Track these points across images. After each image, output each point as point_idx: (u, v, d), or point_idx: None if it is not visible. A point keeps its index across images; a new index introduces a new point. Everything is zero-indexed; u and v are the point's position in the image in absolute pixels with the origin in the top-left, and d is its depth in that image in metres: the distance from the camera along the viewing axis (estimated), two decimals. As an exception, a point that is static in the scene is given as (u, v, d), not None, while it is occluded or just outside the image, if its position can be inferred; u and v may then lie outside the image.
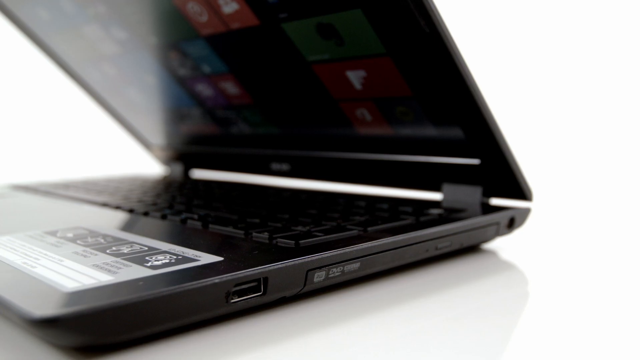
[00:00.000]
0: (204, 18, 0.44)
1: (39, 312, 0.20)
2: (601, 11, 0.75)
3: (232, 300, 0.24)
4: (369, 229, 0.32)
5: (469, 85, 0.34)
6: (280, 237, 0.29)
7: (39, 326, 0.20)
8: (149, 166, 0.76)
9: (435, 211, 0.37)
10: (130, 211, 0.41)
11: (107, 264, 0.26)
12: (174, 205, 0.42)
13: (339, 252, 0.28)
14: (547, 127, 0.78)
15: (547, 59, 0.79)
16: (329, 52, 0.39)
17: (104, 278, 0.23)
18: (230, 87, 0.50)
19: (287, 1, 0.37)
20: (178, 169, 0.68)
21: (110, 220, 0.38)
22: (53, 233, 0.33)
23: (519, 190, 0.38)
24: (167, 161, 0.70)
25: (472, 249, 0.39)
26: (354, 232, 0.31)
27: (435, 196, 0.42)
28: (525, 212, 0.39)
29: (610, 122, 0.75)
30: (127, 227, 0.36)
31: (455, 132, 0.38)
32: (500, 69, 0.79)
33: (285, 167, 0.53)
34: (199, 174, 0.68)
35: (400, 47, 0.36)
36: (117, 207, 0.43)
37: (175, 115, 0.61)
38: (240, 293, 0.25)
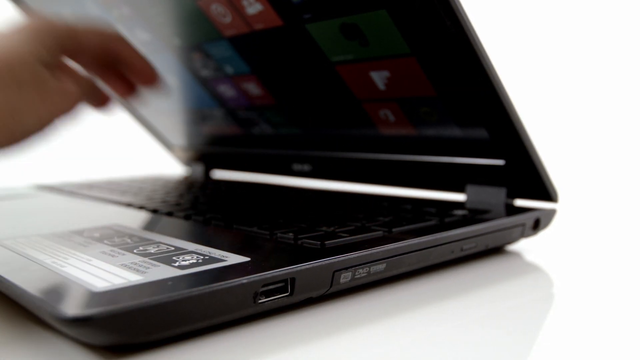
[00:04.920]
0: (228, 19, 0.44)
1: (72, 312, 0.20)
2: (631, 11, 0.74)
3: (260, 301, 0.24)
4: (394, 229, 0.32)
5: (494, 85, 0.34)
6: (306, 238, 0.29)
7: (72, 325, 0.20)
8: (170, 167, 0.77)
9: (459, 212, 0.37)
10: (154, 211, 0.41)
11: (135, 263, 0.26)
12: (197, 206, 0.43)
13: (365, 253, 0.28)
14: (572, 127, 0.77)
15: (575, 58, 0.78)
16: (352, 52, 0.39)
17: (133, 278, 0.24)
18: (253, 88, 0.50)
19: (311, 2, 0.38)
20: (199, 169, 0.68)
21: (136, 220, 0.38)
22: (80, 233, 0.33)
23: (544, 191, 0.38)
24: (188, 162, 0.70)
25: (496, 250, 0.38)
26: (379, 233, 0.31)
27: (459, 197, 0.42)
28: (551, 214, 0.39)
29: (638, 122, 0.74)
30: (152, 227, 0.36)
31: (480, 133, 0.38)
32: (525, 68, 0.79)
33: (307, 167, 0.53)
34: (219, 174, 0.68)
35: (425, 48, 0.35)
36: (141, 207, 0.43)
37: (197, 116, 0.62)
38: (267, 293, 0.25)
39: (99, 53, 0.39)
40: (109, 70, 0.42)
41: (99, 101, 0.40)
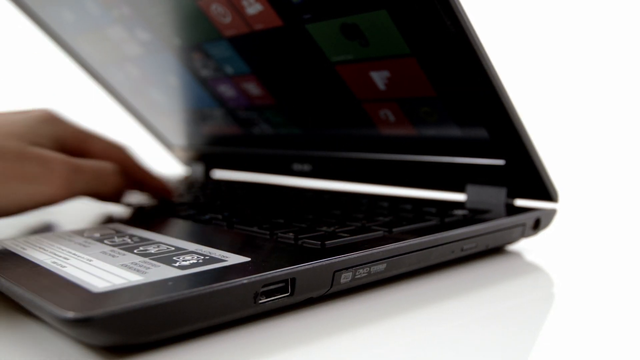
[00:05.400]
0: (228, 19, 0.44)
1: (72, 312, 0.20)
2: (630, 11, 0.74)
3: (260, 301, 0.24)
4: (394, 230, 0.32)
5: (495, 85, 0.34)
6: (306, 238, 0.29)
7: (72, 326, 0.20)
8: (170, 166, 0.77)
9: (459, 212, 0.37)
10: (155, 211, 0.41)
11: (136, 263, 0.26)
12: (197, 206, 0.43)
13: (365, 253, 0.28)
14: (572, 127, 0.77)
15: (575, 58, 0.78)
16: (352, 52, 0.39)
17: (133, 278, 0.24)
18: (253, 88, 0.50)
19: (311, 2, 0.38)
20: (199, 169, 0.68)
21: (136, 220, 0.38)
22: (80, 233, 0.33)
23: (545, 191, 0.38)
24: (188, 161, 0.70)
25: (496, 250, 0.38)
26: (380, 233, 0.31)
27: (459, 197, 0.42)
28: (551, 213, 0.39)
29: (638, 122, 0.74)
30: (152, 227, 0.36)
31: (480, 133, 0.38)
32: (525, 68, 0.79)
33: (307, 167, 0.53)
34: (219, 174, 0.68)
35: (425, 48, 0.35)
36: (141, 207, 0.43)
37: (197, 116, 0.62)
38: (268, 294, 0.25)
39: (104, 159, 0.39)
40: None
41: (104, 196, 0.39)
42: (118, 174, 0.39)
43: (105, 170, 0.38)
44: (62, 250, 0.29)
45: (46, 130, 0.36)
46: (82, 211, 0.43)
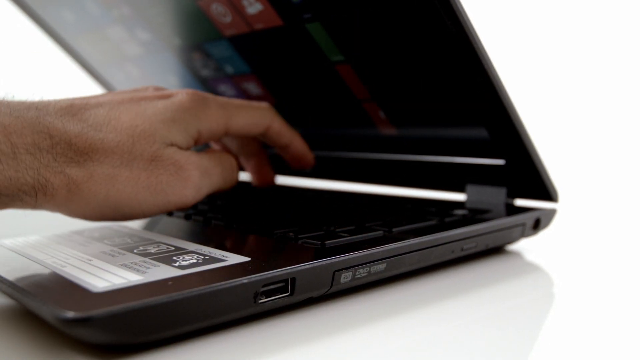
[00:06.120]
0: (228, 19, 0.44)
1: (72, 312, 0.20)
2: (631, 11, 0.74)
3: (260, 301, 0.24)
4: (394, 229, 0.32)
5: (495, 85, 0.34)
6: (306, 238, 0.29)
7: (72, 325, 0.20)
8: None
9: (459, 212, 0.37)
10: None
11: (136, 263, 0.26)
12: (197, 205, 0.43)
13: (365, 252, 0.28)
14: (572, 127, 0.77)
15: (575, 58, 0.78)
16: (352, 52, 0.39)
17: (133, 278, 0.24)
18: (253, 88, 0.50)
19: (311, 2, 0.37)
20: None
21: (136, 220, 0.38)
22: (80, 232, 0.33)
23: (545, 191, 0.38)
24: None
25: (496, 250, 0.38)
26: (380, 233, 0.31)
27: (459, 197, 0.42)
28: (551, 213, 0.38)
29: (638, 122, 0.74)
30: (152, 227, 0.36)
31: (480, 133, 0.38)
32: (525, 68, 0.79)
33: (307, 167, 0.53)
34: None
35: (425, 47, 0.35)
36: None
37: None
38: (268, 293, 0.25)
39: (246, 143, 0.38)
40: (251, 159, 0.43)
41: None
42: (238, 166, 0.37)
43: (230, 166, 0.35)
44: (62, 249, 0.29)
45: (189, 124, 0.32)
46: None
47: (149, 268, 0.25)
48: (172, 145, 0.31)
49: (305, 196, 0.47)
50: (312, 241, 0.29)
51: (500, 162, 0.39)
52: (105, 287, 0.23)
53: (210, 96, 0.35)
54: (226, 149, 0.44)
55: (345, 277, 0.27)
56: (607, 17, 0.75)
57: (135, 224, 0.36)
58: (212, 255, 0.27)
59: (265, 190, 0.52)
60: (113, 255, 0.28)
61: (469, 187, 0.41)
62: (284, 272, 0.25)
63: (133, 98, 0.32)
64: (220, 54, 0.49)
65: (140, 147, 0.29)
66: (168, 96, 0.33)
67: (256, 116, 0.37)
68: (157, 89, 0.34)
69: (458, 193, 0.42)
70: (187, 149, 0.33)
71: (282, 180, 0.59)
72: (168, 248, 0.29)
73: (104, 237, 0.32)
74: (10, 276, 0.25)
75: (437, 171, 0.42)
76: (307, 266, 0.25)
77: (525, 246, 0.40)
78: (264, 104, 0.39)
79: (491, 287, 0.31)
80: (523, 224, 0.37)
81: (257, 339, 0.24)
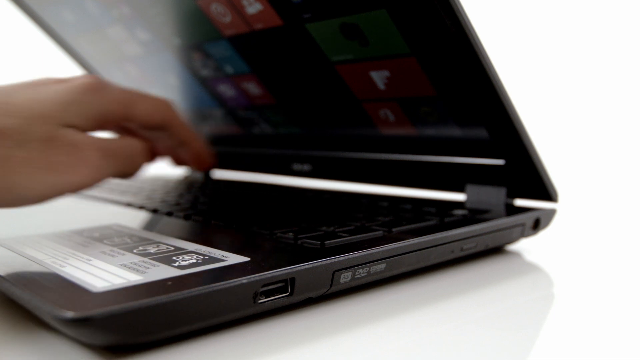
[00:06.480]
0: (228, 19, 0.44)
1: (72, 312, 0.20)
2: (630, 11, 0.74)
3: (260, 301, 0.24)
4: (394, 229, 0.32)
5: (494, 85, 0.34)
6: (306, 238, 0.29)
7: (71, 325, 0.20)
8: (170, 166, 0.77)
9: (459, 212, 0.37)
10: (154, 211, 0.41)
11: (135, 263, 0.26)
12: (197, 206, 0.43)
13: (365, 253, 0.28)
14: (572, 127, 0.77)
15: (575, 58, 0.78)
16: (352, 52, 0.39)
17: (132, 278, 0.24)
18: (253, 88, 0.50)
19: (311, 1, 0.37)
20: (199, 169, 0.68)
21: (135, 220, 0.38)
22: (80, 233, 0.33)
23: (544, 191, 0.38)
24: (188, 161, 0.70)
25: (496, 250, 0.38)
26: (379, 233, 0.31)
27: (459, 197, 0.42)
28: (551, 213, 0.39)
29: (638, 122, 0.74)
30: (152, 227, 0.36)
31: (480, 133, 0.38)
32: (525, 68, 0.79)
33: (306, 167, 0.53)
34: (219, 174, 0.68)
35: (425, 47, 0.35)
36: (141, 207, 0.43)
37: (197, 115, 0.62)
38: (267, 293, 0.25)
39: (149, 121, 0.38)
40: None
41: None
42: (146, 151, 0.37)
43: (134, 151, 0.36)
44: (62, 250, 0.29)
45: (87, 105, 0.33)
46: (82, 211, 0.43)
47: (148, 268, 0.25)
48: (69, 126, 0.32)
49: (305, 196, 0.47)
50: (312, 241, 0.29)
51: (500, 162, 0.39)
52: (104, 287, 0.23)
53: (112, 82, 0.36)
54: (145, 138, 0.43)
55: (345, 277, 0.27)
56: (607, 17, 0.75)
57: (135, 224, 0.36)
58: (212, 255, 0.27)
59: (266, 191, 0.52)
60: (113, 255, 0.28)
61: (469, 187, 0.41)
62: (284, 272, 0.25)
63: (30, 84, 0.33)
64: (220, 54, 0.49)
65: (35, 128, 0.30)
66: (66, 81, 0.34)
67: (157, 104, 0.38)
68: (58, 79, 0.35)
69: (458, 193, 0.42)
70: (89, 130, 0.33)
71: (282, 180, 0.59)
72: (168, 248, 0.29)
73: (103, 237, 0.32)
74: (10, 276, 0.25)
75: (437, 171, 0.42)
76: (307, 266, 0.25)
77: (525, 246, 0.40)
78: (166, 99, 0.40)
79: (491, 287, 0.31)
80: (523, 224, 0.37)
81: (256, 339, 0.24)
